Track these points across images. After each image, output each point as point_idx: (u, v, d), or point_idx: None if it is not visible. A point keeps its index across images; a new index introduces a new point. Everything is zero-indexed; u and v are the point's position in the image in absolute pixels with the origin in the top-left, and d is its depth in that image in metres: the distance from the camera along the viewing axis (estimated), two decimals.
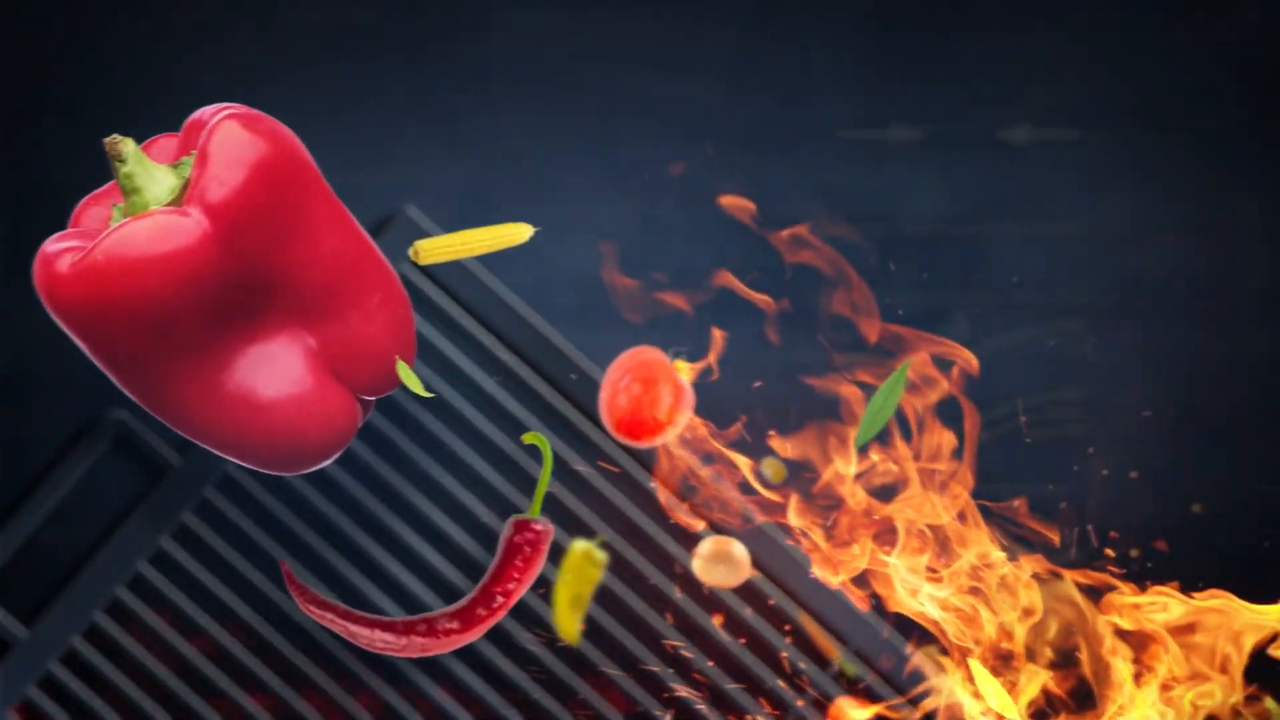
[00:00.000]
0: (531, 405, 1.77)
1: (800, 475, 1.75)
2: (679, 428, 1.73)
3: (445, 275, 1.77)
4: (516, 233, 1.69)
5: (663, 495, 1.75)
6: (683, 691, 1.74)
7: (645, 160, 1.79)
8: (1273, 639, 1.71)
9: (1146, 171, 1.81)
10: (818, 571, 1.74)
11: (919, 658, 1.74)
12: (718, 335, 1.75)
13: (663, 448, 1.75)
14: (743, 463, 1.74)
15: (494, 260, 1.75)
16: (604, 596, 1.75)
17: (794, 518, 1.73)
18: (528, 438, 1.74)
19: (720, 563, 1.74)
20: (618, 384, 1.72)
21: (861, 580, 1.74)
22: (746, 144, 1.79)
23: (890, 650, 1.75)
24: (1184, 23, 1.81)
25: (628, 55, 1.79)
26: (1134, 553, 1.77)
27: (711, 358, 1.75)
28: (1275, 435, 1.79)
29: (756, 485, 1.75)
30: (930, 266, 1.79)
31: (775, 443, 1.75)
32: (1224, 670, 1.71)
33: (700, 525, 1.75)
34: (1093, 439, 1.78)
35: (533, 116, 1.79)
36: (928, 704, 1.74)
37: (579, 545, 1.74)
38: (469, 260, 1.75)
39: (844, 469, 1.73)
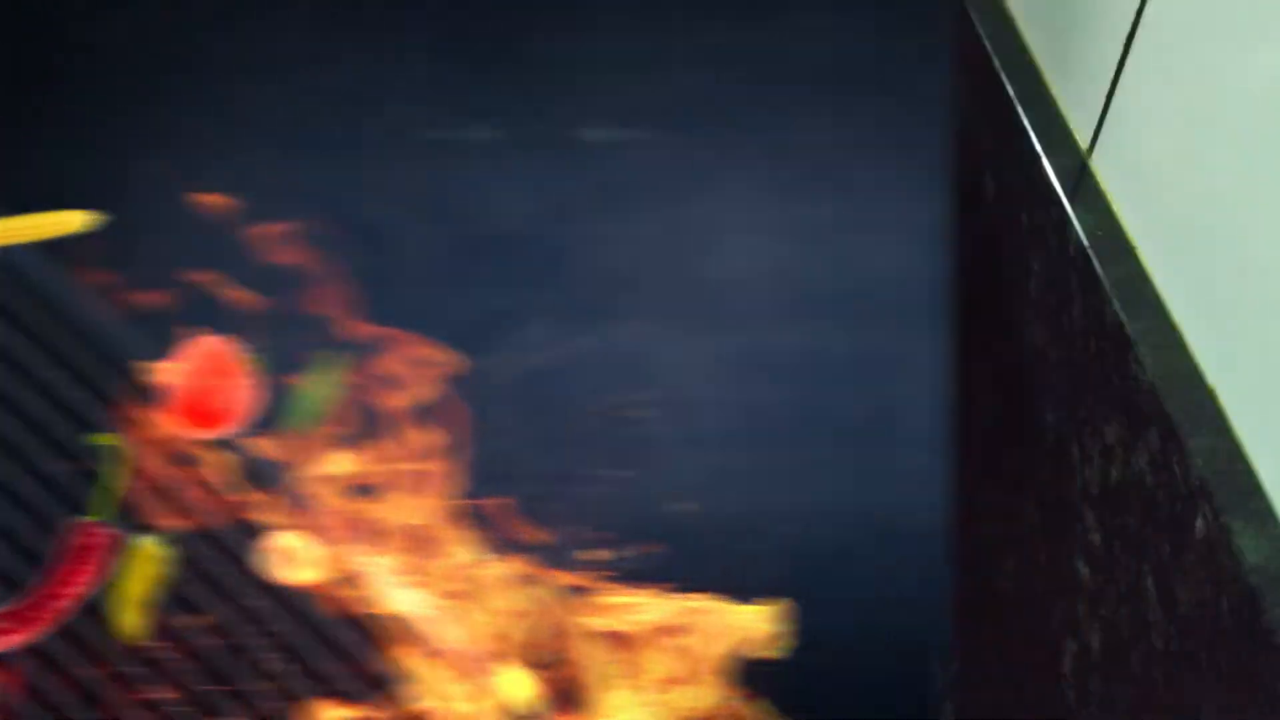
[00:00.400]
0: (96, 397, 1.74)
1: (285, 475, 1.74)
2: (243, 419, 1.72)
3: (11, 265, 1.74)
4: (68, 221, 1.71)
5: (136, 493, 1.74)
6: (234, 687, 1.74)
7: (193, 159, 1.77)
8: (756, 640, 1.72)
9: (724, 172, 1.80)
10: (293, 572, 1.73)
11: (400, 658, 1.74)
12: (199, 334, 1.74)
13: (139, 446, 1.73)
14: (222, 461, 1.73)
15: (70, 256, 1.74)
16: (173, 593, 1.74)
17: (276, 518, 1.72)
18: (97, 438, 1.73)
19: (286, 559, 1.74)
20: (183, 374, 1.72)
21: (345, 581, 1.74)
22: (315, 147, 1.77)
23: (373, 651, 1.74)
24: (760, 25, 1.80)
25: (199, 56, 1.77)
26: (623, 554, 1.77)
27: (192, 356, 1.74)
28: (777, 439, 1.80)
29: (239, 483, 1.74)
30: (507, 267, 1.78)
31: (263, 442, 1.74)
32: (708, 671, 1.72)
33: (180, 523, 1.74)
34: (596, 439, 1.78)
35: (104, 114, 1.77)
36: (410, 706, 1.74)
37: (141, 542, 1.74)
38: (39, 253, 1.74)
39: (328, 468, 1.72)
